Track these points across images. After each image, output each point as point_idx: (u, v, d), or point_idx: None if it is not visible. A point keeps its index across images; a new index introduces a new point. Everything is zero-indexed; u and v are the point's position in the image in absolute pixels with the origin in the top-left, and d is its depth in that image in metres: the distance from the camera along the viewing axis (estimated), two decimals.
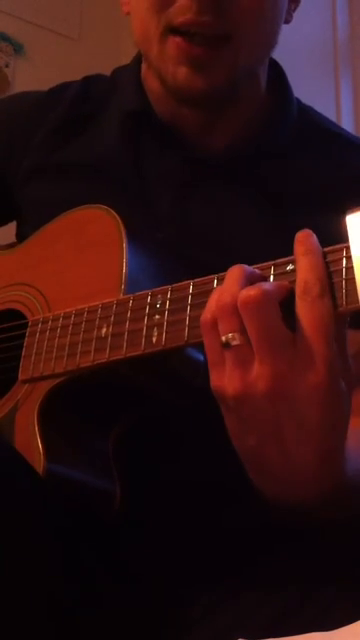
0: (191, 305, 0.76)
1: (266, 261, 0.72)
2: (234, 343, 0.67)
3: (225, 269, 0.88)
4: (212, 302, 0.70)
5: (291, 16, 1.00)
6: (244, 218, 0.97)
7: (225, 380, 0.68)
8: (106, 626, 0.81)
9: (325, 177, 0.99)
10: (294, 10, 1.01)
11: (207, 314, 0.70)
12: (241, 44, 0.90)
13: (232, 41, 0.90)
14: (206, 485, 0.91)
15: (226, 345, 0.68)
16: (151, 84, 1.00)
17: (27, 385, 0.87)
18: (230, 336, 0.67)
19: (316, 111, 1.07)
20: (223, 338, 0.68)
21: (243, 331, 0.67)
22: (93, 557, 0.83)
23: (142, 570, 0.89)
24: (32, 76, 2.33)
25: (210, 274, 0.87)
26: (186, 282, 0.78)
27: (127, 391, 0.86)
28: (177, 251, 0.93)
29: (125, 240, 0.85)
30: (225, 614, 0.84)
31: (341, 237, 0.66)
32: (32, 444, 0.81)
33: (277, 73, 1.03)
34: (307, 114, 1.04)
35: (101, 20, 2.52)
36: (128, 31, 0.99)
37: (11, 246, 1.05)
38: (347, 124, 2.19)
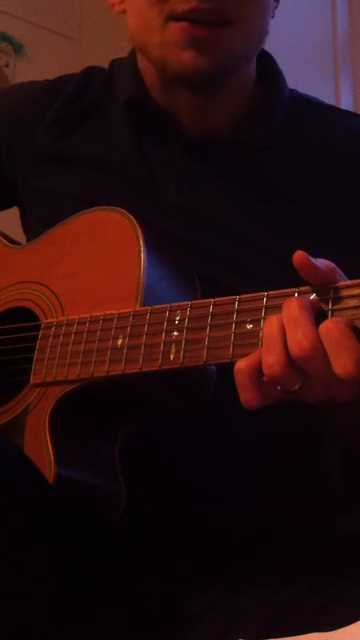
0: (211, 325, 0.75)
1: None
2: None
3: (233, 257, 0.89)
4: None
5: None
6: (247, 204, 0.98)
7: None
8: (106, 625, 0.81)
9: (324, 150, 1.01)
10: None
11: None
12: (241, 27, 0.93)
13: (233, 24, 0.92)
14: (206, 486, 0.91)
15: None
16: (147, 75, 1.02)
17: (38, 389, 0.86)
18: None
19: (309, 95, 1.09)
20: None
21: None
22: (93, 557, 0.83)
23: (142, 569, 0.89)
24: (32, 76, 2.32)
25: (220, 263, 0.87)
26: (207, 300, 0.77)
27: (138, 400, 0.86)
28: (184, 240, 0.94)
29: (143, 247, 0.84)
30: (225, 613, 0.84)
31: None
32: (43, 449, 0.81)
33: (268, 62, 1.05)
34: (299, 95, 1.07)
35: (101, 20, 2.52)
36: (128, 31, 1.00)
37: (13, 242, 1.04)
38: None
